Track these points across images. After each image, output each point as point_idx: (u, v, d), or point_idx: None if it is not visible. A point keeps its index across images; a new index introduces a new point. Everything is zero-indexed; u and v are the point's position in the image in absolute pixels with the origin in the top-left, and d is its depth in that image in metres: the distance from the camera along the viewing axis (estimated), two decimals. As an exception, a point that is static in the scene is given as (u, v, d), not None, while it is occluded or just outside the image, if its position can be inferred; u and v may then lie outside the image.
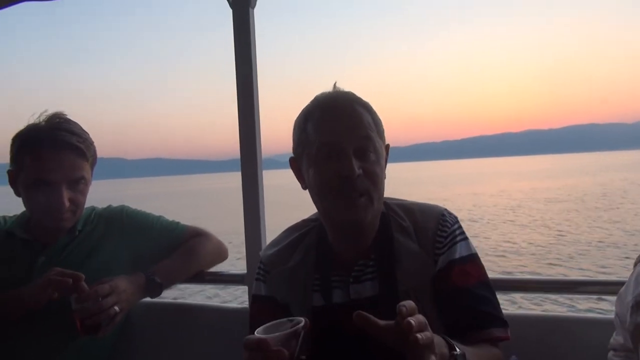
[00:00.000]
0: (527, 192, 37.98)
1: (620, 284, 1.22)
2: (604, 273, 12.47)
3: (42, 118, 1.63)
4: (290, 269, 1.32)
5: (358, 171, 1.19)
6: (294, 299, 1.29)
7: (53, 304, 1.50)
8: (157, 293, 1.65)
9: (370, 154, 1.22)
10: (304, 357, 1.00)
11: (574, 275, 11.72)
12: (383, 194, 1.27)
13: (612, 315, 1.24)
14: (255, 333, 0.99)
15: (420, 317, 0.89)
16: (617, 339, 1.22)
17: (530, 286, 1.72)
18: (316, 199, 1.27)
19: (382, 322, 0.92)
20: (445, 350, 0.95)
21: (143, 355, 1.84)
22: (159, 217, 1.82)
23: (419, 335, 0.86)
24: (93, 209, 1.78)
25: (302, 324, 1.00)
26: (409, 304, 0.89)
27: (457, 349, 0.96)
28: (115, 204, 1.85)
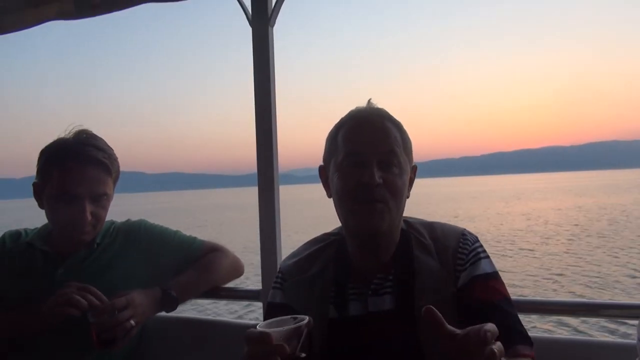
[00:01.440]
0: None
1: None
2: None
3: (70, 133, 1.67)
4: (308, 279, 1.33)
5: (378, 180, 1.22)
6: (311, 309, 1.28)
7: (68, 318, 1.51)
8: (173, 307, 1.66)
9: (393, 167, 1.26)
10: (304, 355, 0.98)
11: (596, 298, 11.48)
12: (402, 207, 1.30)
13: (634, 341, 1.21)
14: (258, 327, 0.99)
15: (500, 347, 0.88)
16: None
17: (551, 308, 1.68)
18: (337, 205, 1.31)
19: (449, 327, 0.93)
20: None
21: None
22: (176, 231, 1.84)
23: (496, 350, 0.86)
24: (112, 222, 1.80)
25: (305, 321, 1.00)
26: (493, 328, 0.89)
27: None
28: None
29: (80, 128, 1.68)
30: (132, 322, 1.50)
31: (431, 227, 1.35)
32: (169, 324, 1.85)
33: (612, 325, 8.34)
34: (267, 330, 0.97)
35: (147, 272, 1.69)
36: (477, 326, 0.89)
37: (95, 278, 1.63)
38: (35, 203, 1.70)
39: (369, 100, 1.35)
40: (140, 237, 1.76)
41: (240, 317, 9.59)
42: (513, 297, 1.29)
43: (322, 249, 1.39)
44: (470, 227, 1.33)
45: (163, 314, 1.68)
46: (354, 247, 1.33)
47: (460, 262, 1.26)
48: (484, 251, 1.31)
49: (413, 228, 1.35)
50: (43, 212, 1.69)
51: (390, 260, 1.30)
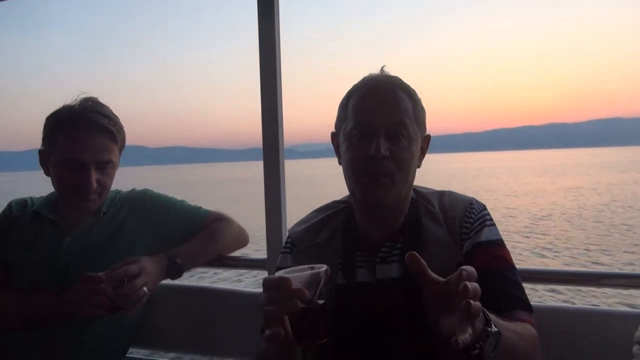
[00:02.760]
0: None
1: None
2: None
3: (76, 100, 1.66)
4: (317, 245, 1.34)
5: (385, 152, 1.21)
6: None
7: (77, 279, 1.53)
8: (178, 275, 1.67)
9: (402, 138, 1.24)
10: (323, 301, 0.98)
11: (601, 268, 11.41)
12: (411, 180, 1.29)
13: (637, 309, 1.22)
14: (276, 274, 0.98)
15: (476, 286, 0.87)
16: None
17: (556, 278, 1.68)
18: (345, 174, 1.31)
19: (432, 274, 0.93)
20: (480, 325, 0.92)
21: (163, 337, 1.88)
22: (182, 201, 1.84)
23: (472, 302, 0.84)
24: (117, 192, 1.81)
25: (324, 268, 0.99)
26: (470, 269, 0.89)
27: (493, 326, 0.93)
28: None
29: (87, 96, 1.67)
30: (145, 289, 1.52)
31: (440, 196, 1.36)
32: (174, 291, 1.87)
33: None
34: (286, 275, 0.96)
35: (152, 241, 1.70)
36: (456, 274, 0.90)
37: (102, 247, 1.65)
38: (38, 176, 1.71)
39: (382, 68, 1.33)
40: (146, 206, 1.77)
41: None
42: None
43: (331, 216, 1.40)
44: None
45: (168, 281, 1.69)
46: (361, 217, 1.34)
47: (466, 230, 1.27)
48: (491, 219, 1.31)
49: (422, 197, 1.35)
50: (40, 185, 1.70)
51: (399, 230, 1.30)
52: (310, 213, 1.46)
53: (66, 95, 1.73)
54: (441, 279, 0.93)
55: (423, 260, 0.93)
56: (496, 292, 1.18)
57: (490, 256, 1.24)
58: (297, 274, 0.97)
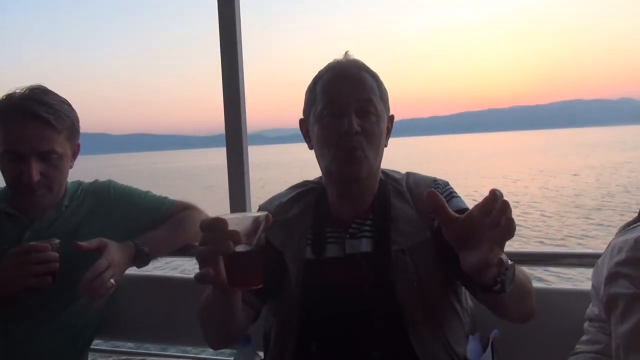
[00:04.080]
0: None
1: (597, 256, 1.24)
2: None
3: (21, 89, 1.57)
4: (287, 220, 1.37)
5: (356, 128, 1.26)
6: (289, 248, 1.33)
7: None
8: (145, 263, 1.64)
9: (370, 115, 1.30)
10: (259, 246, 0.98)
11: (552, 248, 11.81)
12: (381, 155, 1.34)
13: (589, 287, 1.27)
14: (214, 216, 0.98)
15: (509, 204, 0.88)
16: (592, 309, 1.25)
17: (510, 258, 1.72)
18: (318, 154, 1.35)
19: (450, 210, 0.95)
20: (504, 257, 0.96)
21: (127, 327, 1.87)
22: (147, 192, 1.80)
23: (512, 217, 0.87)
24: (80, 183, 1.75)
25: (264, 214, 0.99)
26: (499, 190, 0.90)
27: (508, 260, 0.98)
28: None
29: (35, 84, 1.59)
30: (113, 281, 1.49)
31: (407, 176, 1.42)
32: (137, 281, 1.85)
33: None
34: (224, 216, 0.96)
35: (118, 233, 1.64)
36: (483, 200, 0.90)
37: (65, 241, 1.59)
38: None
39: (346, 52, 1.38)
40: (110, 197, 1.72)
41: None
42: None
43: (302, 194, 1.44)
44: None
45: (132, 270, 1.66)
46: (333, 194, 1.37)
47: None
48: (455, 192, 1.37)
49: (390, 177, 1.41)
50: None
51: (369, 207, 1.35)
52: (283, 191, 1.49)
53: (24, 83, 1.65)
54: (458, 215, 0.94)
55: (442, 197, 0.95)
56: None
57: None
58: (233, 216, 0.96)
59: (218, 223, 0.95)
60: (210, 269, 0.97)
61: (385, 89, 1.37)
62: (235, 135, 1.86)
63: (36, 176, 1.52)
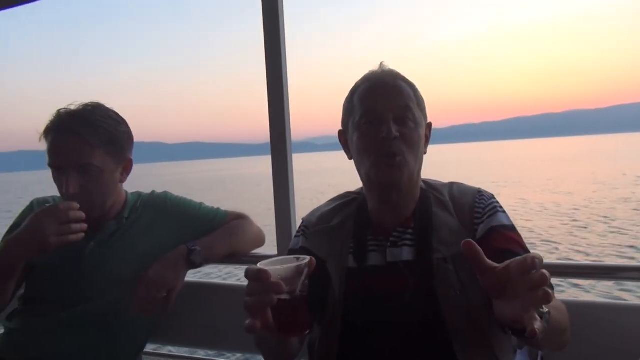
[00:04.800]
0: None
1: None
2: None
3: (73, 105, 1.65)
4: (330, 229, 1.39)
5: (395, 134, 1.27)
6: (332, 256, 1.34)
7: (100, 283, 1.61)
8: (198, 263, 1.67)
9: (409, 121, 1.31)
10: (304, 294, 0.99)
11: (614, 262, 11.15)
12: (420, 162, 1.34)
13: None
14: (258, 265, 0.98)
15: (548, 275, 0.86)
16: None
17: (569, 271, 1.63)
18: (358, 162, 1.36)
19: (487, 260, 0.92)
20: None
21: (182, 332, 1.91)
22: (201, 203, 1.85)
23: (550, 291, 0.84)
24: (139, 195, 1.81)
25: (306, 260, 1.00)
26: (540, 257, 0.87)
27: (544, 307, 0.94)
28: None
29: (90, 101, 1.67)
30: (163, 293, 1.57)
31: (449, 186, 1.41)
32: (191, 287, 1.87)
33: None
34: (265, 267, 0.97)
35: (174, 244, 1.70)
36: (521, 257, 0.88)
37: (125, 252, 1.68)
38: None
39: (381, 63, 1.40)
40: (167, 209, 1.78)
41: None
42: None
43: (344, 205, 1.45)
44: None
45: (186, 277, 1.70)
46: (374, 202, 1.37)
47: (478, 215, 1.31)
48: (501, 207, 1.35)
49: (432, 187, 1.40)
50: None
51: (410, 216, 1.34)
52: (323, 203, 1.51)
53: (78, 96, 1.72)
54: (497, 264, 0.92)
55: (479, 248, 0.92)
56: None
57: (506, 238, 1.26)
58: (277, 267, 0.97)
59: (262, 274, 0.96)
60: (257, 321, 0.98)
61: (421, 96, 1.37)
62: (280, 143, 1.88)
63: (72, 189, 1.57)
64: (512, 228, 1.30)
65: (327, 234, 1.38)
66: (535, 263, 0.85)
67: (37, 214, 1.50)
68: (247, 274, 0.99)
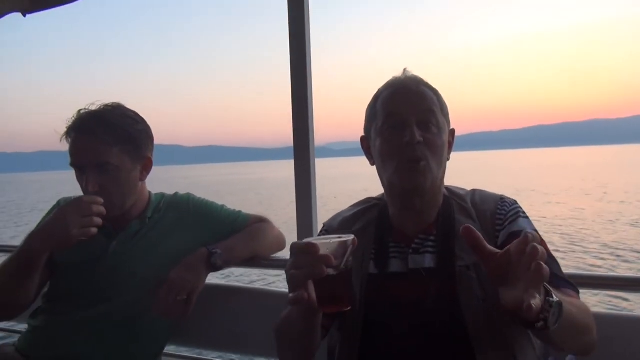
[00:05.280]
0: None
1: None
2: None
3: (94, 105, 1.68)
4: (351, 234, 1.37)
5: (419, 138, 1.26)
6: (353, 263, 1.31)
7: (122, 282, 1.63)
8: (219, 265, 1.68)
9: (432, 126, 1.30)
10: (349, 268, 1.01)
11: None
12: (444, 167, 1.33)
13: None
14: (304, 241, 1.01)
15: (543, 249, 0.87)
16: None
17: (611, 283, 1.57)
18: (380, 168, 1.35)
19: (488, 246, 0.94)
20: (542, 297, 0.91)
21: (203, 334, 1.91)
22: (222, 205, 1.86)
23: (543, 264, 0.85)
24: (163, 196, 1.83)
25: (351, 238, 1.02)
26: (534, 233, 0.90)
27: (555, 296, 0.93)
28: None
29: (110, 102, 1.69)
30: (184, 295, 1.58)
31: (472, 193, 1.39)
32: (212, 289, 1.88)
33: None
34: (314, 241, 0.99)
35: (196, 245, 1.70)
36: (518, 240, 0.89)
37: (148, 252, 1.69)
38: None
39: (404, 69, 1.39)
40: (189, 211, 1.79)
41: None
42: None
43: (366, 210, 1.44)
44: None
45: (207, 280, 1.71)
46: (396, 209, 1.36)
47: (499, 222, 1.29)
48: (524, 212, 1.33)
49: (455, 194, 1.38)
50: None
51: (433, 223, 1.33)
52: (345, 208, 1.50)
53: (96, 97, 1.76)
54: (498, 250, 0.93)
55: (478, 233, 0.94)
56: None
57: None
58: (325, 241, 0.99)
59: (311, 247, 0.98)
60: (304, 292, 0.99)
61: (445, 102, 1.36)
62: (303, 148, 1.88)
63: (92, 187, 1.60)
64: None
65: None
66: (528, 238, 0.87)
67: (61, 207, 1.54)
68: (294, 248, 1.00)
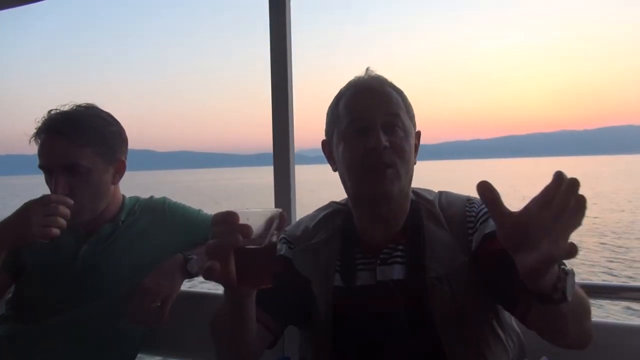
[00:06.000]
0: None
1: None
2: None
3: (66, 106, 1.63)
4: (313, 247, 1.31)
5: (385, 143, 1.19)
6: (317, 276, 1.28)
7: (92, 287, 1.57)
8: (196, 272, 1.64)
9: (398, 129, 1.23)
10: (272, 243, 0.94)
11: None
12: (411, 173, 1.26)
13: None
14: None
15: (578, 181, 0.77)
16: None
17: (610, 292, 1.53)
18: (344, 175, 1.27)
19: (504, 205, 0.83)
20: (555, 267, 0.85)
21: (174, 342, 1.89)
22: (199, 210, 1.83)
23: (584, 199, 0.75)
24: (137, 199, 1.79)
25: (278, 211, 0.95)
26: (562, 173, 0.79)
27: (567, 265, 0.87)
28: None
29: (84, 102, 1.65)
30: (158, 302, 1.52)
31: (439, 196, 1.33)
32: (184, 296, 1.86)
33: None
34: (233, 210, 0.92)
35: (171, 250, 1.67)
36: (546, 187, 0.78)
37: (121, 255, 1.64)
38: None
39: (367, 69, 1.33)
40: (165, 215, 1.75)
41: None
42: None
43: (328, 217, 1.37)
44: None
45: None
46: (362, 217, 1.30)
47: (470, 225, 1.23)
48: None
49: (422, 198, 1.32)
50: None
51: (400, 231, 1.27)
52: (309, 214, 1.43)
53: (68, 99, 1.71)
54: (514, 211, 0.83)
55: (496, 189, 0.83)
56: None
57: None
58: (245, 211, 0.92)
59: (229, 216, 0.90)
60: (216, 262, 0.91)
61: (410, 104, 1.30)
62: (282, 154, 1.86)
63: (61, 189, 1.54)
64: None
65: (311, 252, 1.31)
66: (562, 176, 0.76)
67: (26, 204, 1.47)
68: (215, 218, 0.92)
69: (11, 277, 1.66)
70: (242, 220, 0.90)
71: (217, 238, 0.91)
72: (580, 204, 0.75)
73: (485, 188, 0.82)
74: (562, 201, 0.76)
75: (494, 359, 1.18)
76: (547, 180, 0.78)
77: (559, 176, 0.77)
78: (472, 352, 1.16)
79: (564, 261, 0.88)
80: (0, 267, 1.54)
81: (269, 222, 0.94)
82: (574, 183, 0.76)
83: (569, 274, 0.87)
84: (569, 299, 0.87)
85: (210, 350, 1.83)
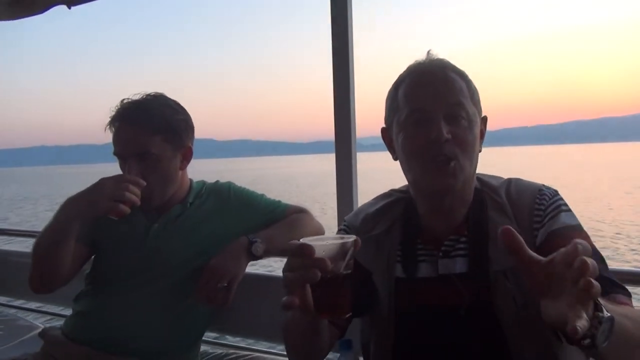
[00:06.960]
0: None
1: None
2: None
3: (137, 95, 1.72)
4: (374, 237, 1.27)
5: (447, 136, 1.13)
6: (378, 267, 1.25)
7: (162, 265, 1.67)
8: (259, 255, 1.69)
9: (461, 120, 1.16)
10: (348, 272, 0.94)
11: None
12: (476, 164, 1.20)
13: None
14: (301, 240, 0.92)
15: (594, 262, 0.76)
16: None
17: None
18: (405, 166, 1.23)
19: (530, 251, 0.83)
20: (590, 311, 0.80)
21: (240, 323, 1.95)
22: (262, 195, 1.88)
23: (593, 281, 0.74)
24: (204, 183, 1.87)
25: (352, 239, 0.94)
26: (584, 242, 0.79)
27: (605, 312, 0.81)
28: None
29: (153, 92, 1.73)
30: (225, 283, 1.61)
31: (507, 184, 1.25)
32: (251, 278, 1.89)
33: None
34: (309, 242, 0.91)
35: (235, 232, 1.73)
36: (567, 247, 0.78)
37: (187, 235, 1.73)
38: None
39: (428, 52, 1.24)
40: (230, 199, 1.81)
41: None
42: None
43: (389, 206, 1.32)
44: None
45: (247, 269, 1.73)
46: (423, 207, 1.25)
47: (538, 219, 1.16)
48: (565, 204, 1.18)
49: (487, 186, 1.25)
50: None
51: (463, 222, 1.21)
52: (369, 201, 1.38)
53: (139, 89, 1.79)
54: (541, 257, 0.82)
55: (519, 236, 0.82)
56: None
57: (569, 242, 1.14)
58: (321, 243, 0.92)
59: (305, 249, 0.89)
60: (296, 297, 0.92)
61: (475, 88, 1.21)
62: (344, 141, 1.87)
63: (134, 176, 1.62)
64: (578, 228, 1.14)
65: (372, 242, 1.26)
66: (578, 249, 0.77)
67: (101, 179, 1.57)
68: (290, 248, 0.92)
69: (87, 250, 1.77)
70: (317, 253, 0.90)
71: (294, 271, 0.92)
72: (586, 287, 0.74)
73: (506, 235, 0.82)
74: (574, 275, 0.76)
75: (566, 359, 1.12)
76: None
77: (574, 247, 0.77)
78: (540, 350, 1.10)
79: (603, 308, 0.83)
80: (76, 239, 1.66)
81: (344, 249, 0.93)
82: (582, 266, 0.75)
83: (603, 322, 0.80)
84: (600, 347, 0.81)
85: (272, 331, 1.90)
